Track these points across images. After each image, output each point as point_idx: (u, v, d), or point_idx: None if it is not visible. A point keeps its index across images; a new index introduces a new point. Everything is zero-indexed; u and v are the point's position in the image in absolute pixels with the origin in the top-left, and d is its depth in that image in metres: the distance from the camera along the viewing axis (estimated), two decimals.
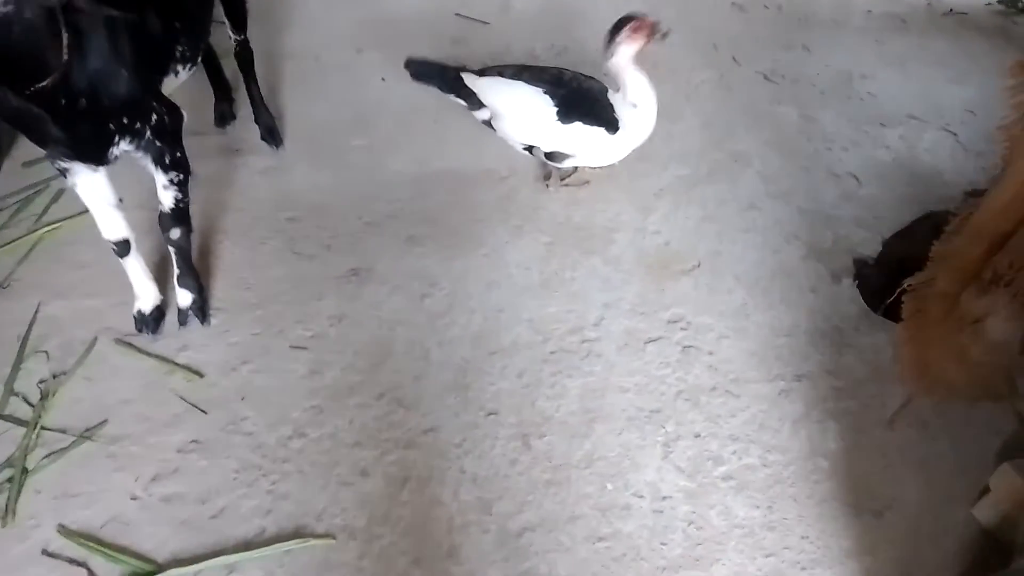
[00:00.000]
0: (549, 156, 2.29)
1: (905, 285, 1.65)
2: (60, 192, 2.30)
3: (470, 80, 2.22)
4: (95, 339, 1.95)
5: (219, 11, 2.24)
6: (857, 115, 2.89)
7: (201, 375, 1.88)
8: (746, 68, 3.11)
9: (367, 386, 1.89)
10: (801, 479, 1.77)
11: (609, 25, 2.11)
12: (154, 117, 1.72)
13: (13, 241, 2.18)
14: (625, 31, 2.07)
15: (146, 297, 1.97)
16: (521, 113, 2.22)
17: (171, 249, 1.95)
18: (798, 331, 2.09)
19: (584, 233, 2.33)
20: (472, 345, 2.00)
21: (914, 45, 3.35)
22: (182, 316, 1.98)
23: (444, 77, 2.26)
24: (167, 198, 1.86)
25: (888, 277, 1.93)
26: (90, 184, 1.78)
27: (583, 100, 2.19)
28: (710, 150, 2.64)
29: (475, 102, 2.24)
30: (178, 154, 1.82)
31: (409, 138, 2.61)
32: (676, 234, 2.34)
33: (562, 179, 2.47)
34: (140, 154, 1.75)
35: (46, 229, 2.20)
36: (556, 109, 2.17)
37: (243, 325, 2.00)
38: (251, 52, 2.44)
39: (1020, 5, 3.66)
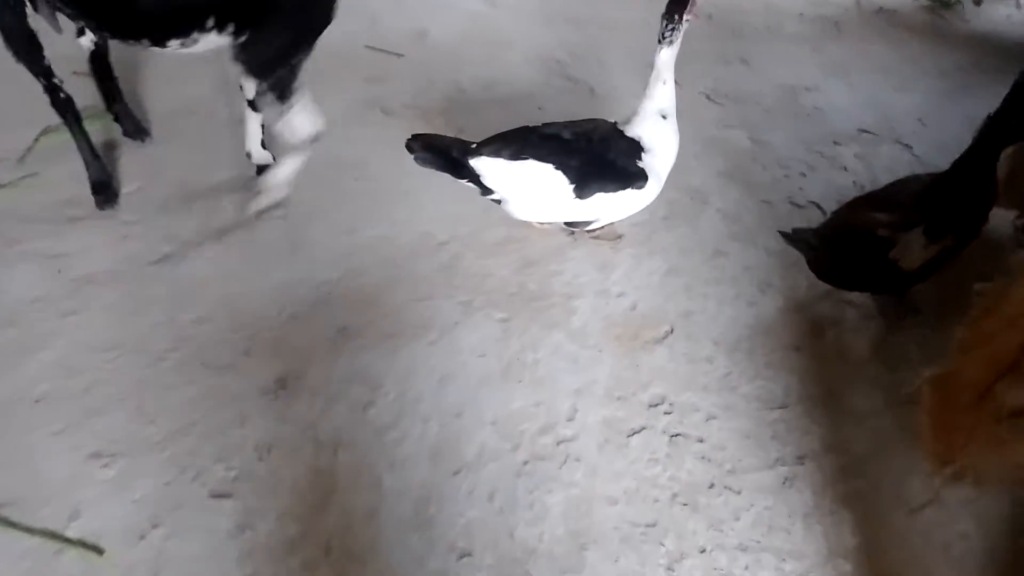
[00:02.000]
0: (571, 224, 2.06)
1: (926, 376, 1.45)
2: None
3: (475, 162, 1.92)
4: None
5: None
6: (808, 134, 2.72)
7: (100, 551, 1.51)
8: (688, 89, 2.89)
9: (310, 537, 1.56)
10: None
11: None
12: None
13: None
14: (691, 7, 1.84)
15: None
16: (534, 197, 1.96)
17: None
18: (790, 401, 1.89)
19: (542, 303, 2.06)
20: (430, 463, 1.70)
21: (852, 51, 3.23)
22: None
23: (448, 159, 1.94)
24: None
25: (832, 248, 1.96)
26: None
27: (600, 165, 1.93)
28: (664, 188, 2.41)
29: (483, 186, 1.96)
30: None
31: (332, 201, 2.26)
32: (642, 294, 2.10)
33: (590, 234, 2.20)
34: None
35: None
36: (573, 186, 1.91)
37: (148, 473, 1.63)
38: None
39: (946, 0, 3.60)
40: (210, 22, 1.77)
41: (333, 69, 2.66)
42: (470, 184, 1.98)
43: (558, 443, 1.76)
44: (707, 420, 1.83)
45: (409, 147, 1.93)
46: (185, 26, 1.76)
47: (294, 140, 2.03)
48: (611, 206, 1.99)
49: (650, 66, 1.95)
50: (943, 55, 3.20)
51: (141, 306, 1.93)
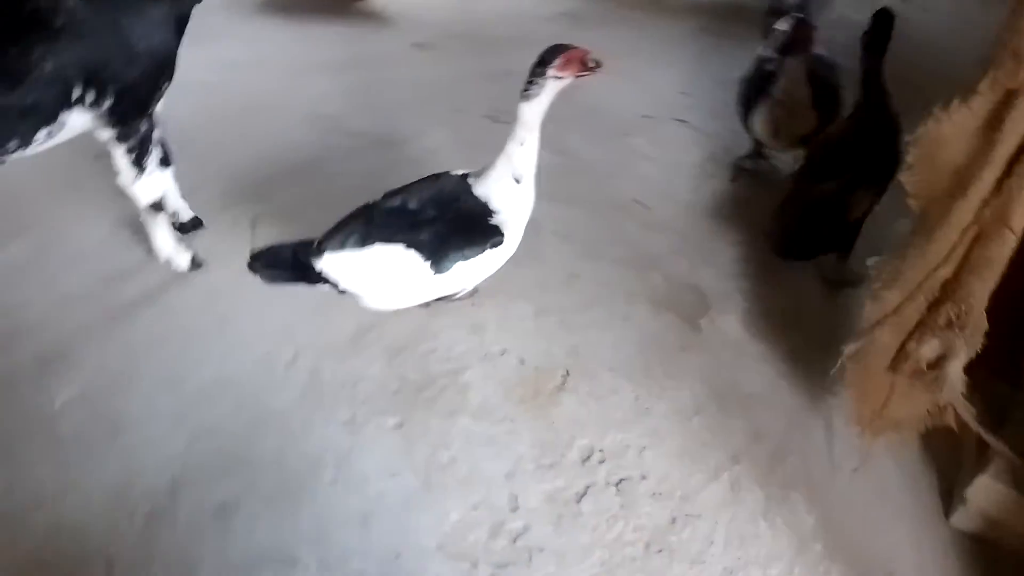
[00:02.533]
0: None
1: (845, 353, 1.51)
2: None
3: (321, 263, 1.71)
4: None
5: None
6: (601, 132, 2.77)
7: None
8: (470, 113, 2.82)
9: None
10: None
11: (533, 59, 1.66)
12: None
13: None
14: (557, 62, 1.61)
15: None
16: (390, 283, 1.76)
17: None
18: (701, 403, 1.89)
19: (430, 391, 1.87)
20: None
21: (602, 40, 3.35)
22: None
23: (296, 268, 1.73)
24: None
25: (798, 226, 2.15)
26: None
27: (453, 232, 1.74)
28: None
29: (337, 287, 1.75)
30: None
31: (135, 360, 1.87)
32: (522, 344, 1.99)
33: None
34: None
35: None
36: (429, 263, 1.72)
37: None
38: None
39: None
40: (77, 90, 1.68)
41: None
42: (327, 287, 1.73)
43: (514, 540, 1.60)
44: (639, 454, 1.78)
45: (252, 268, 1.67)
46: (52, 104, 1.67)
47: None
48: (472, 272, 1.83)
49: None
50: (675, 25, 3.44)
51: None
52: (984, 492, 1.55)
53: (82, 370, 1.82)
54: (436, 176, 1.84)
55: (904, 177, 1.33)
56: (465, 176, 1.82)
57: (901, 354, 1.45)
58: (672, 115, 2.86)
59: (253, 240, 2.20)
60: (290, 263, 1.71)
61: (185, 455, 1.68)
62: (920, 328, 1.41)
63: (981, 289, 1.32)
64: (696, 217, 2.43)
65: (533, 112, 1.69)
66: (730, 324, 2.10)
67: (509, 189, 1.76)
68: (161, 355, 1.88)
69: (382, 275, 1.76)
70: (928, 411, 1.50)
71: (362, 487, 1.66)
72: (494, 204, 1.77)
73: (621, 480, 1.73)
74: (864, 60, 2.01)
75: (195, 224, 2.23)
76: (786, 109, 2.34)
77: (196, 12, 1.91)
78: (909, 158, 1.31)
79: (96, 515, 1.56)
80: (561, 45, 1.66)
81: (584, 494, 1.69)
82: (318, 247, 1.71)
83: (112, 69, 1.73)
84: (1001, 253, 1.27)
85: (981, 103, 1.17)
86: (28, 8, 1.63)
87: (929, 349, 1.40)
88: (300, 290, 2.02)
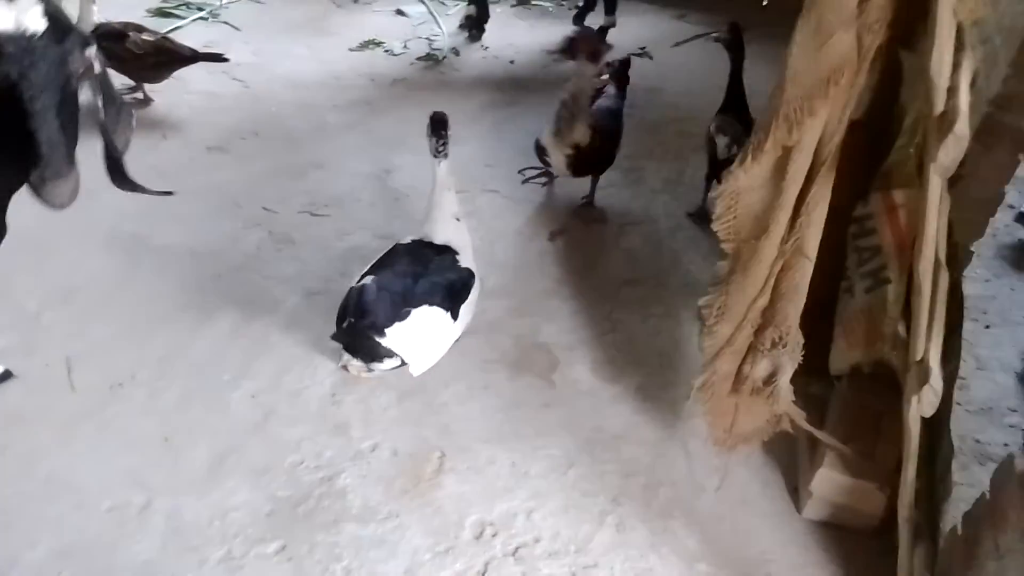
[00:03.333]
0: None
1: (696, 385, 1.69)
2: None
3: (385, 340, 1.86)
4: None
5: None
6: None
7: None
8: (286, 212, 2.77)
9: None
10: None
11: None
12: None
13: None
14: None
15: None
16: (429, 342, 1.98)
17: None
18: (571, 455, 1.98)
19: (307, 504, 1.79)
20: None
21: (397, 124, 3.45)
22: None
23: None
24: None
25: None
26: None
27: (445, 281, 2.01)
28: None
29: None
30: None
31: None
32: (391, 434, 1.99)
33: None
34: None
35: None
36: (448, 313, 1.98)
37: None
38: None
39: (435, 57, 4.08)
40: None
41: None
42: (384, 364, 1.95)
43: None
44: (528, 517, 1.82)
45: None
46: None
47: None
48: (469, 310, 2.08)
49: None
50: (468, 102, 3.63)
51: None
52: (824, 482, 1.76)
53: None
54: (393, 249, 2.10)
55: (715, 226, 1.54)
56: (418, 239, 2.12)
57: (739, 377, 1.65)
58: (482, 187, 3.01)
59: (72, 386, 2.00)
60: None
61: None
62: (751, 352, 1.61)
63: (794, 311, 1.54)
64: (527, 278, 2.56)
65: (447, 167, 2.10)
66: (581, 374, 2.22)
67: (455, 228, 2.13)
68: None
69: (423, 335, 1.94)
70: (768, 422, 1.70)
71: None
72: (454, 246, 2.10)
73: (517, 548, 1.76)
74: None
75: (3, 377, 1.98)
76: (569, 111, 2.56)
77: None
78: (717, 209, 1.51)
79: None
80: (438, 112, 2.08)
81: (485, 571, 1.70)
82: (378, 328, 1.85)
83: None
84: (804, 278, 1.51)
85: (768, 159, 1.40)
86: None
87: (761, 369, 1.61)
88: (140, 430, 1.89)
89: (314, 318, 2.26)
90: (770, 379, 1.62)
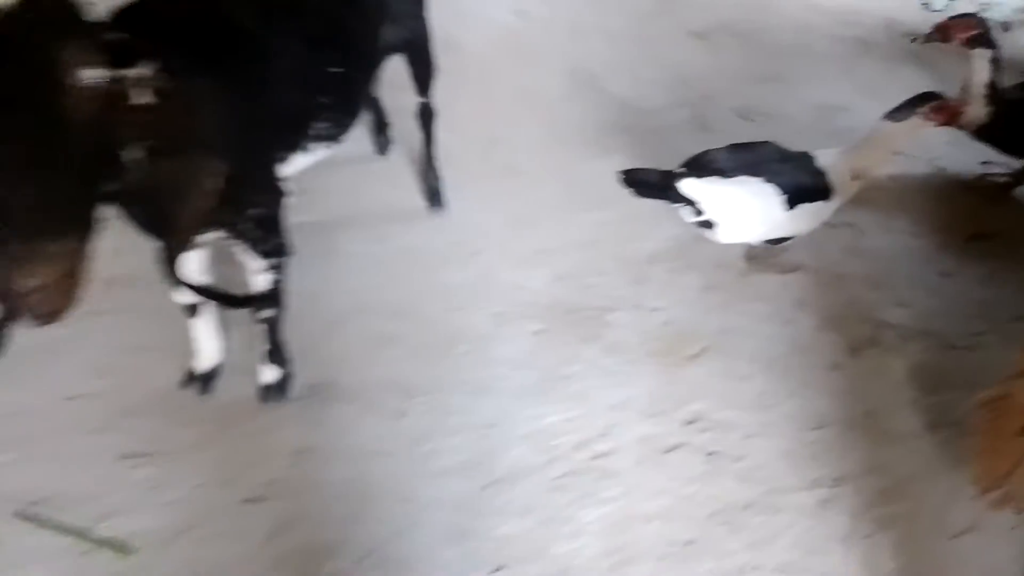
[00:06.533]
0: (769, 243, 2.09)
1: (979, 398, 1.43)
2: None
3: (688, 186, 1.95)
4: None
5: None
6: None
7: (130, 551, 1.49)
8: (719, 104, 2.88)
9: (344, 546, 1.54)
10: None
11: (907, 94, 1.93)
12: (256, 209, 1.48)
13: None
14: (925, 108, 1.89)
15: (205, 357, 1.76)
16: (748, 214, 1.98)
17: (260, 325, 1.71)
18: (828, 421, 1.85)
19: (577, 316, 2.04)
20: (465, 476, 1.68)
21: (882, 71, 3.21)
22: (264, 393, 1.76)
23: (663, 186, 1.98)
24: (261, 282, 1.61)
25: None
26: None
27: (801, 179, 1.97)
28: None
29: (695, 210, 1.98)
30: (279, 240, 1.57)
31: (355, 209, 2.27)
32: (677, 310, 2.08)
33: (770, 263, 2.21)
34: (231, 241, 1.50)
35: None
36: (784, 197, 1.93)
37: (181, 476, 1.62)
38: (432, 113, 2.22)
39: None
40: None
41: None
42: (681, 210, 2.01)
43: (594, 458, 1.74)
44: (745, 439, 1.80)
45: (624, 183, 1.99)
46: None
47: None
48: (809, 218, 2.01)
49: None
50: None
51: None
52: None
53: (321, 208, 2.24)
54: (767, 142, 2.07)
55: None
56: (811, 154, 2.02)
57: None
58: (930, 159, 2.69)
59: None
60: (655, 184, 1.98)
61: (370, 290, 2.03)
62: None
63: None
64: (911, 262, 2.30)
65: (890, 134, 1.97)
66: (896, 363, 1.99)
67: (843, 177, 1.98)
68: (370, 210, 2.25)
69: (742, 204, 1.96)
70: None
71: (485, 366, 1.90)
72: (830, 177, 1.97)
73: (715, 452, 1.77)
74: None
75: None
76: None
77: None
78: None
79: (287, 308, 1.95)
80: (932, 94, 1.91)
81: (674, 449, 1.77)
82: (683, 172, 1.96)
83: None
84: None
85: None
86: None
87: None
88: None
89: None
90: None
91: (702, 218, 1.99)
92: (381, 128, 2.45)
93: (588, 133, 2.69)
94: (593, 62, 3.04)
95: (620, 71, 3.00)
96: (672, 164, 2.16)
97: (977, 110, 2.27)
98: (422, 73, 2.08)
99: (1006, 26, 3.59)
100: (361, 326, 1.96)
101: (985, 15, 3.58)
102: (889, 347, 2.04)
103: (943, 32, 2.24)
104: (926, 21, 3.56)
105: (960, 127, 1.92)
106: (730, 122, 2.81)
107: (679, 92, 2.92)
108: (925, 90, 1.91)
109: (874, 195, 2.44)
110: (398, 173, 2.39)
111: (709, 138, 2.69)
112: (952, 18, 2.28)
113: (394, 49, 1.91)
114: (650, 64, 3.03)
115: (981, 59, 2.23)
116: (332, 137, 1.69)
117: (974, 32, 2.20)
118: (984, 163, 2.64)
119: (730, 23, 3.41)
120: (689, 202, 1.97)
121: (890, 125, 1.93)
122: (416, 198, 2.32)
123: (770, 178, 1.95)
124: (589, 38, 3.21)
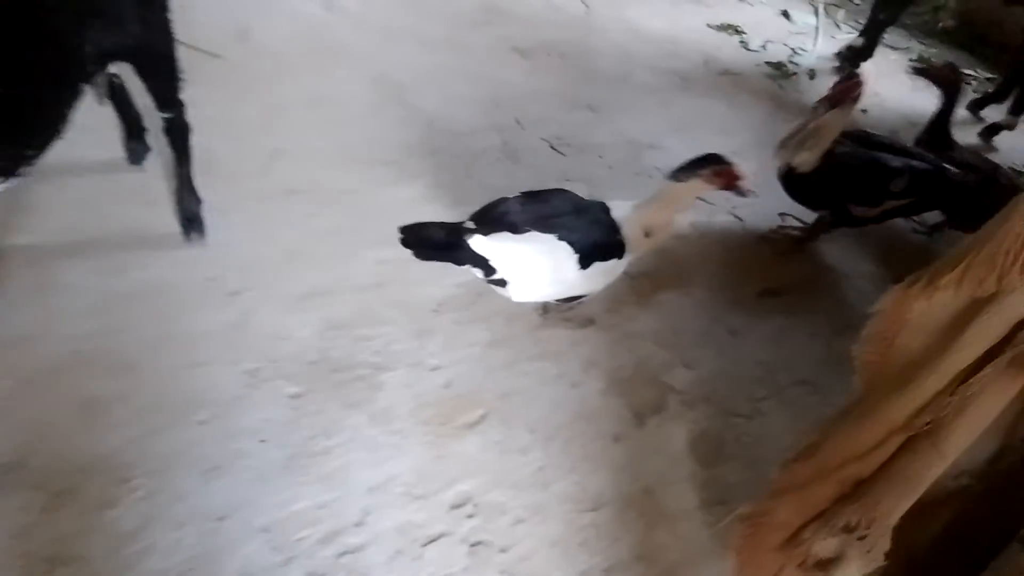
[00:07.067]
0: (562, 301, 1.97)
1: (738, 512, 1.35)
2: None
3: (478, 244, 1.76)
4: None
5: None
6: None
7: None
8: (532, 132, 2.74)
9: None
10: None
11: (690, 155, 1.85)
12: None
13: None
14: (707, 171, 1.81)
15: None
16: (541, 273, 1.83)
17: None
18: (604, 501, 1.75)
19: (345, 375, 1.81)
20: None
21: (696, 108, 3.22)
22: None
23: (449, 244, 1.77)
24: None
25: None
26: None
27: (595, 236, 1.84)
28: None
29: (487, 268, 1.80)
30: None
31: (93, 232, 1.89)
32: (460, 368, 1.91)
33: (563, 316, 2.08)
34: None
35: None
36: (577, 257, 1.80)
37: None
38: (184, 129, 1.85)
39: (786, 71, 3.71)
40: None
41: None
42: (474, 270, 1.82)
43: (340, 555, 1.52)
44: (514, 524, 1.66)
45: (404, 243, 1.74)
46: None
47: None
48: (600, 277, 1.90)
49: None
50: (780, 123, 3.25)
51: None
52: None
53: (40, 227, 1.83)
54: (563, 191, 1.92)
55: (855, 349, 1.17)
56: (606, 205, 1.91)
57: (795, 538, 1.28)
58: (728, 208, 2.71)
59: None
60: (441, 243, 1.76)
61: (87, 338, 1.68)
62: (821, 519, 1.23)
63: (894, 504, 1.14)
64: (699, 319, 2.27)
65: (670, 193, 1.86)
66: (677, 432, 1.93)
67: (636, 233, 1.87)
68: (120, 236, 1.89)
69: (534, 264, 1.81)
70: None
71: (225, 440, 1.62)
72: (624, 232, 1.86)
73: (479, 542, 1.61)
74: None
75: None
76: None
77: None
78: (866, 329, 1.15)
79: None
80: (715, 156, 1.83)
81: (435, 540, 1.59)
82: (473, 228, 1.76)
83: None
84: (923, 472, 1.09)
85: (944, 298, 1.01)
86: None
87: (824, 547, 1.23)
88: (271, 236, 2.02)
89: None
90: (827, 565, 1.23)
91: (494, 277, 1.82)
92: (134, 131, 2.05)
93: (387, 153, 2.46)
94: (403, 71, 2.80)
95: (431, 84, 2.78)
96: (475, 197, 1.99)
97: (812, 157, 2.32)
98: (159, 87, 1.72)
99: (812, 74, 3.76)
100: (73, 384, 1.61)
101: (794, 61, 3.76)
102: (673, 414, 1.98)
103: (841, 95, 2.27)
104: (744, 59, 3.67)
105: (741, 193, 1.89)
106: (540, 153, 2.68)
107: (492, 114, 2.75)
108: (709, 152, 1.85)
109: (672, 244, 2.40)
110: (152, 188, 2.01)
111: (516, 170, 2.56)
112: (842, 80, 2.34)
113: (113, 57, 1.55)
114: (465, 79, 2.84)
115: (849, 113, 2.28)
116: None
117: (859, 91, 2.25)
118: (782, 214, 2.70)
119: (554, 42, 3.29)
120: (480, 260, 1.78)
121: (674, 185, 1.86)
122: (171, 221, 1.97)
123: (563, 235, 1.81)
124: (402, 42, 2.96)
